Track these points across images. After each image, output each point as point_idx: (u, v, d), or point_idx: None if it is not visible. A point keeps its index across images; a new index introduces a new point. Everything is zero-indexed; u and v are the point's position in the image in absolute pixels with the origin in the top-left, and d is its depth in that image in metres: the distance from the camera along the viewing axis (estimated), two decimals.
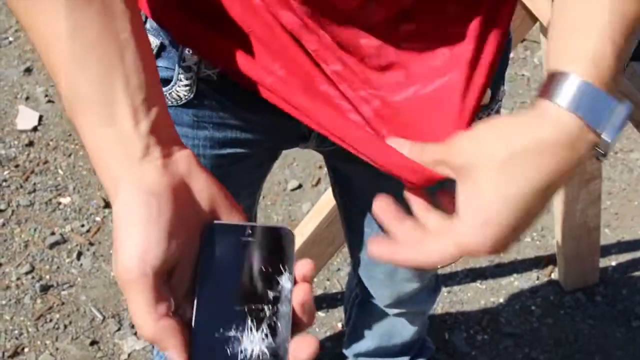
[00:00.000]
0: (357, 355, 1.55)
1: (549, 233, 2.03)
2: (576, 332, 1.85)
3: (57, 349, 1.77)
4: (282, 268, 0.52)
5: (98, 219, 2.03)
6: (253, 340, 0.50)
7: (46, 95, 2.33)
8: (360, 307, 1.41)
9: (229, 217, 0.55)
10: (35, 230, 1.99)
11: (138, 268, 0.49)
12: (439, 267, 0.56)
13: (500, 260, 1.98)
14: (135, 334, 1.80)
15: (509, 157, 0.55)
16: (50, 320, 1.82)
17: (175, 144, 0.54)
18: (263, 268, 0.52)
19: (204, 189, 0.54)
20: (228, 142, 0.85)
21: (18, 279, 1.89)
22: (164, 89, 0.79)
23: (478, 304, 1.89)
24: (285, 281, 0.52)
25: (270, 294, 0.51)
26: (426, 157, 0.63)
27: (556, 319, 1.88)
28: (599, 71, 0.54)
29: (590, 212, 1.74)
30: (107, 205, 2.05)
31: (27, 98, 2.32)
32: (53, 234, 1.98)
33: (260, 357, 0.49)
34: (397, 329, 1.42)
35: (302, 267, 0.54)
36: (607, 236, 2.04)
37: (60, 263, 1.93)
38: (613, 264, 1.99)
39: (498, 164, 0.55)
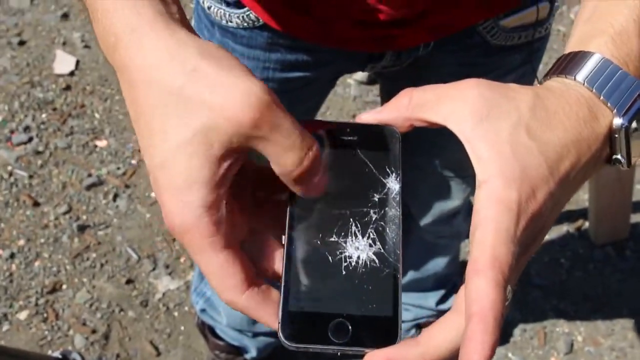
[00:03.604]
0: None
1: (580, 188, 2.03)
2: (605, 285, 1.86)
3: (93, 286, 1.82)
4: (388, 169, 0.47)
5: (134, 162, 2.06)
6: (359, 247, 0.45)
7: (83, 41, 2.35)
8: None
9: None
10: (72, 171, 2.03)
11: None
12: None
13: None
14: (170, 274, 1.84)
15: (531, 111, 0.45)
16: (87, 259, 1.87)
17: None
18: (366, 169, 0.47)
19: None
20: (299, 65, 0.87)
21: (56, 218, 1.94)
22: (240, 11, 0.82)
23: None
24: (392, 183, 0.47)
25: (376, 197, 0.47)
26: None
27: (585, 272, 1.89)
28: (619, 50, 0.49)
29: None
30: None
31: (64, 43, 2.34)
32: (90, 175, 2.02)
33: (369, 265, 0.45)
34: (432, 258, 1.45)
35: None
36: (639, 193, 2.04)
37: (96, 204, 1.97)
38: None
39: (520, 115, 0.45)
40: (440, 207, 1.25)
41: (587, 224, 1.96)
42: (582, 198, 2.01)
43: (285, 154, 0.43)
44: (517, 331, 1.78)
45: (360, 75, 2.26)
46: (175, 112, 0.44)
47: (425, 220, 1.29)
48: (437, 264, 1.47)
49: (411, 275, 1.50)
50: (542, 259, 1.91)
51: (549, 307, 1.82)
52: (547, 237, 1.94)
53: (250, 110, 0.42)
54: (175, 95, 0.43)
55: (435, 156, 1.10)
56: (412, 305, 1.58)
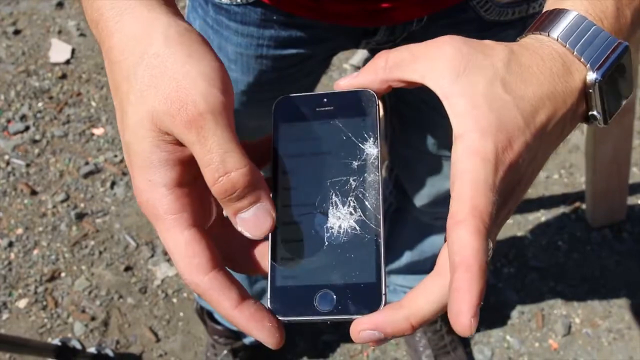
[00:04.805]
0: (388, 272, 1.57)
1: (577, 171, 2.03)
2: (602, 267, 1.87)
3: (92, 274, 1.82)
4: (365, 134, 0.47)
5: None
6: (340, 216, 0.46)
7: (78, 29, 2.34)
8: (394, 215, 1.43)
9: None
10: (69, 160, 2.03)
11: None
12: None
13: (528, 195, 1.99)
14: (169, 260, 1.84)
15: (506, 66, 0.45)
16: (86, 247, 1.87)
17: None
18: (344, 137, 0.48)
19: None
20: (293, 41, 0.86)
21: (54, 207, 1.94)
22: None
23: (505, 237, 1.91)
24: (370, 147, 0.47)
25: (354, 164, 0.47)
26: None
27: (582, 254, 1.89)
28: (594, 6, 0.49)
29: (622, 147, 1.74)
30: None
31: (59, 32, 2.34)
32: (87, 163, 2.02)
33: (350, 233, 0.45)
34: (430, 239, 1.45)
35: None
36: (636, 175, 2.04)
37: (94, 192, 1.97)
38: None
39: (496, 70, 0.45)
40: (437, 188, 1.25)
41: (584, 206, 1.96)
42: (578, 180, 2.01)
43: (204, 169, 0.43)
44: (514, 313, 1.79)
45: (357, 60, 2.26)
46: (134, 93, 0.44)
47: (422, 201, 1.29)
48: (434, 245, 1.47)
49: (408, 257, 1.50)
50: (539, 242, 1.91)
51: (547, 289, 1.83)
52: (544, 219, 1.94)
53: (183, 113, 0.42)
54: (139, 76, 0.44)
55: (430, 134, 1.10)
56: (409, 288, 1.58)
